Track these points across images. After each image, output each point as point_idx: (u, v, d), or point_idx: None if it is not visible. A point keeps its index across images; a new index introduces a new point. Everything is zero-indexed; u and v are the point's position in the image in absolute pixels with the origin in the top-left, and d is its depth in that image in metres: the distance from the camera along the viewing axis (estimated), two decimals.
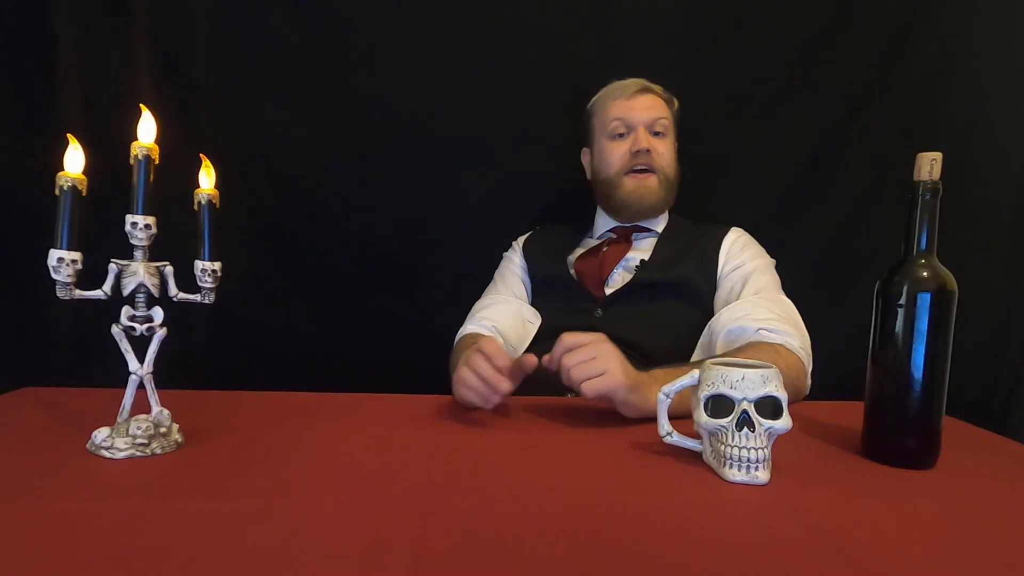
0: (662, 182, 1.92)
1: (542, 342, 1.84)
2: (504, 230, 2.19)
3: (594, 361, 1.29)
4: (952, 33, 2.17)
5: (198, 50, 2.08)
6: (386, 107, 2.18)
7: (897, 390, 1.13)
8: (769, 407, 1.04)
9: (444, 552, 0.78)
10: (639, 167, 1.91)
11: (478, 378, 1.34)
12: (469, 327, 1.87)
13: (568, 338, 1.33)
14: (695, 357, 1.71)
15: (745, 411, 1.04)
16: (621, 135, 1.94)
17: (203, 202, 1.15)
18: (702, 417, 1.07)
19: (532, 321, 1.91)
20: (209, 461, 1.07)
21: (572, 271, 1.92)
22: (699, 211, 2.04)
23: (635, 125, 1.92)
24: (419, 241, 2.26)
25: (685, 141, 2.03)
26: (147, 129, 1.10)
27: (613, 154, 1.95)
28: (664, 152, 1.93)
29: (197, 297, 1.16)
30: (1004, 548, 0.86)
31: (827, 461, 1.18)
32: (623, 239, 1.96)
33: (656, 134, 1.93)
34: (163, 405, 1.12)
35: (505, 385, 1.33)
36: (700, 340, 1.72)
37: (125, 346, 1.09)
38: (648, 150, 1.89)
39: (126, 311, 1.09)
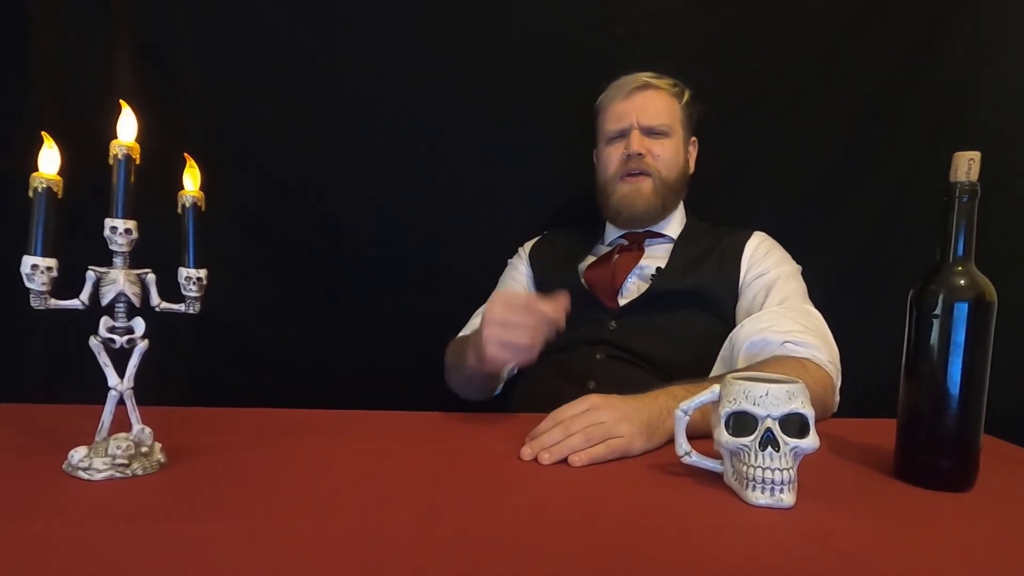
0: (657, 187, 1.92)
1: (547, 357, 1.84)
2: (509, 236, 2.20)
3: (599, 428, 1.26)
4: (986, 26, 2.17)
5: (182, 42, 2.08)
6: (383, 105, 2.18)
7: (932, 406, 1.13)
8: (795, 425, 1.04)
9: None
10: (632, 171, 1.91)
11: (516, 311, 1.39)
12: (465, 333, 1.88)
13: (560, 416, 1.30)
14: (715, 371, 1.70)
15: (769, 429, 1.03)
16: (617, 139, 1.95)
17: (188, 205, 1.15)
18: (723, 436, 1.07)
19: None
20: (194, 482, 1.07)
21: (583, 280, 1.92)
22: (719, 214, 2.04)
23: (629, 128, 1.92)
24: (418, 248, 2.26)
25: (704, 140, 2.04)
26: (128, 127, 1.10)
27: (609, 158, 1.96)
28: (661, 154, 1.92)
29: (181, 307, 1.16)
30: None
31: (857, 483, 1.17)
32: (635, 246, 1.96)
33: (654, 136, 1.93)
34: (145, 423, 1.12)
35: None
36: (721, 353, 1.71)
37: (104, 359, 1.09)
38: (640, 154, 1.90)
39: (105, 322, 1.09)
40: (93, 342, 1.08)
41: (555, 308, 1.34)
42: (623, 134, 1.93)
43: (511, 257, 2.15)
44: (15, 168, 1.17)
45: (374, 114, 2.18)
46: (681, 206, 2.03)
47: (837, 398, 1.60)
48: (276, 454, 1.22)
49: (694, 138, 2.04)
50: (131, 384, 1.11)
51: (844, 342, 1.64)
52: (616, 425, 1.25)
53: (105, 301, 1.08)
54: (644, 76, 1.95)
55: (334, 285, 2.25)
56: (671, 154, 1.94)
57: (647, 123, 1.92)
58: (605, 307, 1.85)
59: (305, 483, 1.09)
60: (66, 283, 1.07)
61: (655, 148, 1.92)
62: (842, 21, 2.21)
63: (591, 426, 1.24)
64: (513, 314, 1.36)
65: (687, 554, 0.87)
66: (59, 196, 1.04)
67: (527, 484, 1.12)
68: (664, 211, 1.97)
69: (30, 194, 1.02)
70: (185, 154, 1.18)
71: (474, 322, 1.92)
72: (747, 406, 1.05)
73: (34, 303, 1.04)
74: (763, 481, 1.03)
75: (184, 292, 1.16)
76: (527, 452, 1.24)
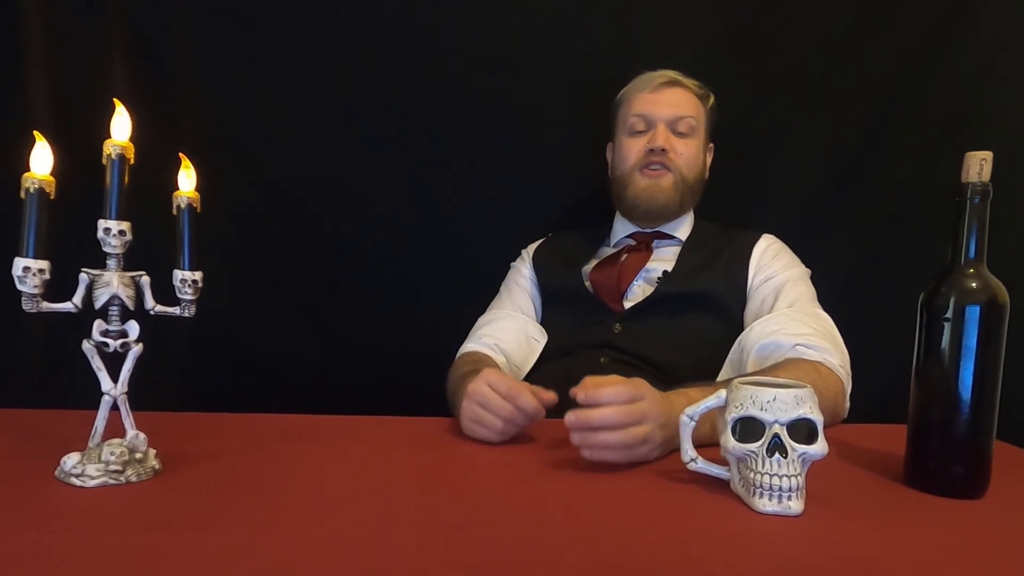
0: (677, 184, 1.91)
1: (551, 361, 1.84)
2: (512, 238, 2.19)
3: (632, 451, 1.22)
4: (999, 23, 2.17)
5: (177, 40, 2.08)
6: (383, 104, 2.18)
7: (943, 412, 1.13)
8: (803, 431, 1.04)
9: None
10: (653, 165, 1.91)
11: (494, 415, 1.34)
12: (470, 345, 1.87)
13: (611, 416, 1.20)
14: (724, 374, 1.71)
15: (777, 435, 1.03)
16: (640, 131, 1.94)
17: (183, 206, 1.15)
18: (730, 442, 1.07)
19: (538, 339, 1.91)
20: (189, 489, 1.07)
21: (587, 282, 1.92)
22: (727, 216, 2.04)
23: (655, 122, 1.91)
24: (419, 250, 2.26)
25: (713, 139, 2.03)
26: (121, 126, 1.10)
27: (630, 150, 1.95)
28: (684, 153, 1.92)
29: (176, 310, 1.16)
30: None
31: (866, 490, 1.17)
32: (643, 247, 1.96)
33: (679, 133, 1.92)
34: (139, 428, 1.12)
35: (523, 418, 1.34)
36: (729, 356, 1.72)
37: (97, 363, 1.09)
38: (664, 149, 1.89)
39: (98, 325, 1.09)
40: (86, 346, 1.08)
41: (537, 405, 1.33)
42: (648, 127, 1.93)
43: (514, 260, 2.15)
44: (7, 168, 1.17)
45: (374, 113, 2.18)
46: (691, 209, 2.03)
47: (848, 404, 1.60)
48: (273, 460, 1.22)
49: (711, 144, 2.04)
50: (125, 389, 1.11)
51: (854, 346, 1.64)
52: (651, 451, 1.25)
53: (98, 304, 1.08)
54: (671, 73, 1.95)
55: (333, 288, 2.24)
56: (693, 154, 1.94)
57: (673, 120, 1.92)
58: (610, 310, 1.85)
59: (303, 490, 1.09)
60: (59, 286, 1.07)
61: (679, 146, 1.92)
62: (852, 19, 2.20)
63: (631, 448, 1.21)
64: (493, 398, 1.34)
65: (692, 563, 0.87)
66: (51, 197, 1.04)
67: (529, 490, 1.12)
68: (681, 210, 1.97)
69: (22, 195, 1.02)
70: (180, 154, 1.18)
71: (479, 331, 1.92)
72: (754, 411, 1.05)
73: (26, 306, 1.04)
74: (770, 488, 1.03)
75: (179, 295, 1.16)
76: (571, 420, 1.19)
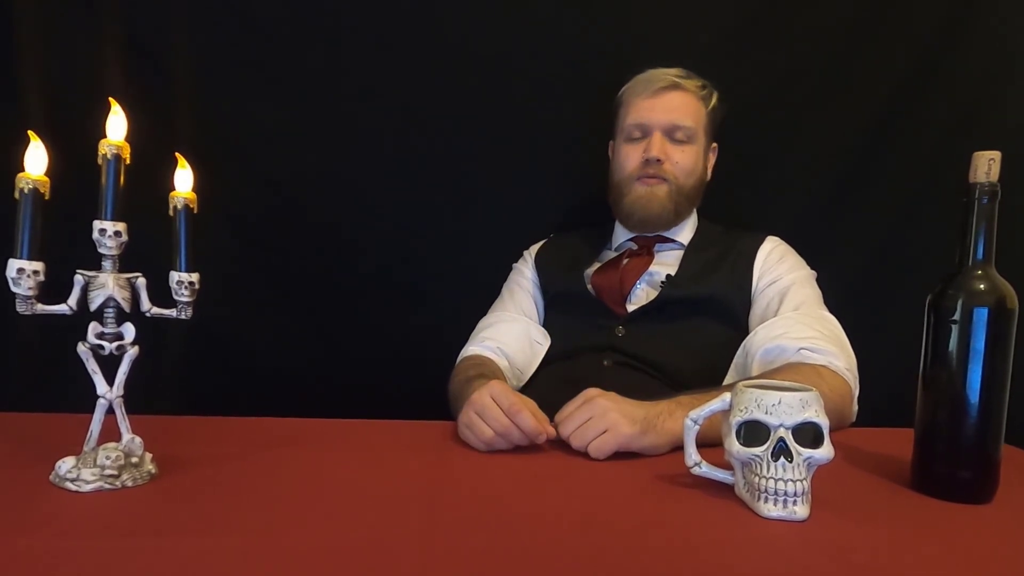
0: (672, 193, 1.90)
1: (553, 363, 1.84)
2: (514, 239, 2.19)
3: (591, 422, 1.32)
4: (1008, 22, 2.16)
5: (174, 37, 2.07)
6: (384, 104, 2.18)
7: (951, 415, 1.13)
8: (809, 434, 1.04)
9: None
10: (649, 175, 1.90)
11: (487, 425, 1.36)
12: (472, 348, 1.87)
13: (560, 415, 1.39)
14: (729, 379, 1.71)
15: (782, 439, 1.03)
16: (637, 139, 1.93)
17: (179, 207, 1.15)
18: (734, 446, 1.07)
19: (540, 342, 1.91)
20: (186, 494, 1.07)
21: (589, 286, 1.92)
22: (731, 218, 2.04)
23: (651, 129, 1.90)
24: (420, 251, 2.25)
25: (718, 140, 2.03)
26: (117, 125, 1.10)
27: (627, 158, 1.94)
28: (680, 161, 1.90)
29: (173, 312, 1.16)
30: None
31: (873, 494, 1.17)
32: (644, 250, 1.95)
33: (676, 141, 1.91)
34: (135, 432, 1.12)
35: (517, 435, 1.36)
36: (734, 361, 1.72)
37: (93, 366, 1.09)
38: (659, 159, 1.87)
39: (94, 328, 1.09)
40: (81, 348, 1.08)
41: (536, 426, 1.34)
42: (644, 134, 1.92)
43: (516, 261, 2.15)
44: (0, 169, 1.17)
45: (374, 113, 2.17)
46: (694, 212, 2.02)
47: (856, 407, 1.59)
48: (271, 465, 1.22)
49: (715, 144, 2.02)
50: (121, 392, 1.11)
51: (860, 349, 1.64)
52: (604, 415, 1.31)
53: (94, 306, 1.08)
54: (672, 75, 1.92)
55: (331, 289, 2.24)
56: (691, 161, 1.92)
57: (670, 127, 1.90)
58: (613, 313, 1.84)
59: (302, 494, 1.09)
60: (53, 288, 1.07)
61: (675, 154, 1.90)
62: (859, 18, 2.20)
63: (583, 426, 1.32)
64: (492, 408, 1.36)
65: (696, 568, 0.87)
66: (46, 197, 1.04)
67: (530, 495, 1.13)
68: (677, 217, 1.95)
69: (16, 195, 1.02)
70: (177, 154, 1.18)
71: (481, 333, 1.92)
72: (759, 415, 1.05)
73: (20, 308, 1.04)
74: (776, 493, 1.02)
75: (176, 297, 1.15)
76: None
